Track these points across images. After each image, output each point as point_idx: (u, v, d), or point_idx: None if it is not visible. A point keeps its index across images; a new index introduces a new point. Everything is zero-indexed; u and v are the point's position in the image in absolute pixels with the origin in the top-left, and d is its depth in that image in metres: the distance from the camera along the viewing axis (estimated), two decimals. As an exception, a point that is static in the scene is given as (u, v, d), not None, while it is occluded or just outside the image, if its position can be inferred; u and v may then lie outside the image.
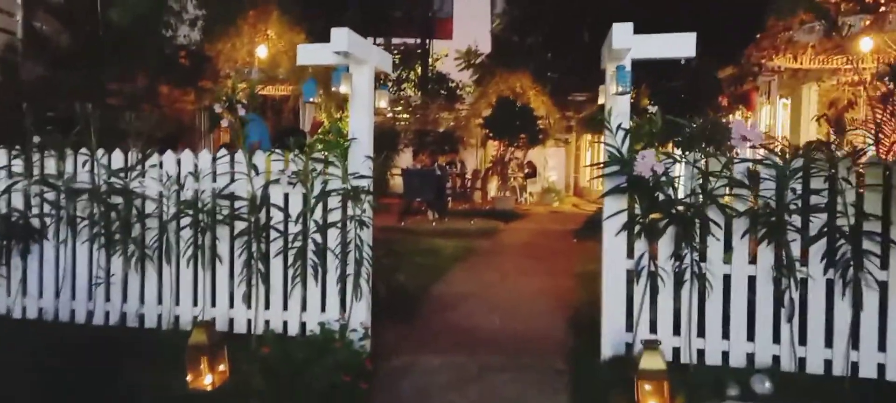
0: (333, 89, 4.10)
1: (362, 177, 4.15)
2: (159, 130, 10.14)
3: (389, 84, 25.67)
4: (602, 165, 3.90)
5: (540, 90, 18.00)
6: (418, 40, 26.04)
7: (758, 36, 7.57)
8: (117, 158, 4.51)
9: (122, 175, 4.45)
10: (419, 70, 24.90)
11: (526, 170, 18.90)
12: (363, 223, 4.14)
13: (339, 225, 4.19)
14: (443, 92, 21.73)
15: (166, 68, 10.80)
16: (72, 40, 9.26)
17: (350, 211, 4.15)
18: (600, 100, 4.23)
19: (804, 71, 8.11)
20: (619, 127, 3.79)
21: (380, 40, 27.07)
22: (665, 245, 3.81)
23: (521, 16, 23.39)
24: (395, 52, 27.18)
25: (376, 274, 4.44)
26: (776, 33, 7.06)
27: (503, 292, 5.98)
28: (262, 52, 12.18)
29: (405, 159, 17.63)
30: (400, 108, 23.00)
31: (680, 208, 3.68)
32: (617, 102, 3.82)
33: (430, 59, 26.01)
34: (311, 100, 4.30)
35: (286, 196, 4.30)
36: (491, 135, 15.28)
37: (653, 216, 3.76)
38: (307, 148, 4.17)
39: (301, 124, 12.74)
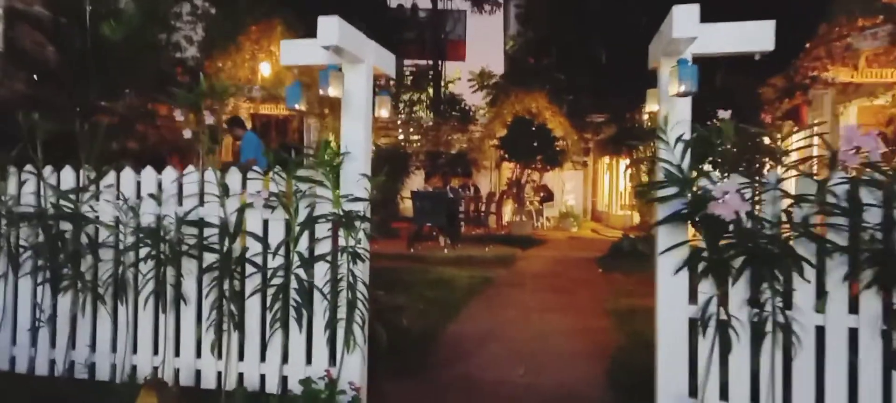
0: (322, 93, 3.35)
1: (357, 199, 3.39)
2: (154, 151, 9.52)
3: (403, 102, 25.21)
4: (654, 187, 3.11)
5: (556, 111, 17.30)
6: (430, 62, 25.51)
7: (807, 45, 6.80)
8: (68, 177, 3.79)
9: (72, 197, 3.72)
10: (431, 91, 24.30)
11: (542, 194, 18.13)
12: (357, 256, 3.37)
13: (329, 258, 3.42)
14: (455, 112, 21.07)
15: (162, 86, 10.20)
16: (58, 55, 8.66)
17: (342, 242, 3.39)
18: (650, 107, 3.46)
19: (855, 85, 7.30)
20: (679, 139, 3.00)
21: (392, 61, 26.69)
22: (738, 288, 3.00)
23: (535, 37, 22.82)
24: (408, 74, 26.71)
25: (375, 317, 3.65)
26: (831, 40, 6.28)
27: (527, 334, 5.15)
28: (265, 69, 11.58)
29: (416, 182, 16.90)
30: (412, 130, 22.37)
31: (761, 241, 2.86)
32: (675, 106, 3.04)
33: (442, 81, 25.44)
34: (295, 106, 3.57)
35: (266, 223, 3.54)
36: (506, 155, 14.52)
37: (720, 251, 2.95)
38: (292, 164, 3.41)
39: (304, 142, 12.07)
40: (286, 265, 3.43)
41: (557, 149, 14.32)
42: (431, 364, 4.32)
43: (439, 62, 25.48)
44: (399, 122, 21.73)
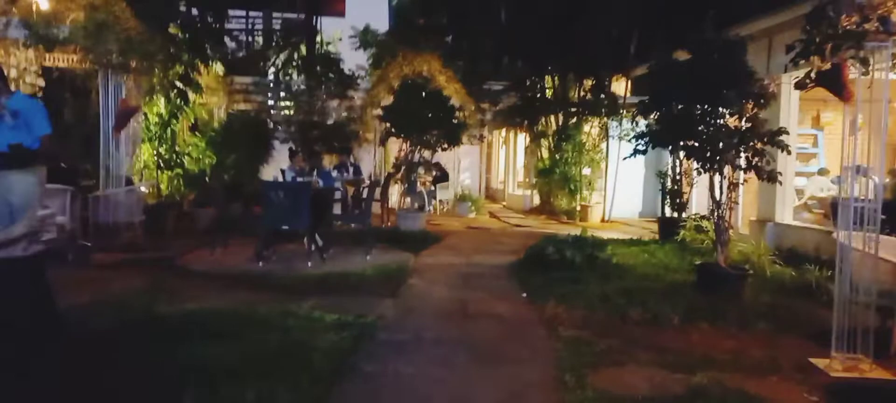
0: None
1: None
2: None
3: (269, 61, 21.40)
4: None
5: (452, 75, 14.61)
6: (302, 16, 21.81)
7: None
8: None
9: None
10: (304, 49, 20.67)
11: (435, 173, 15.50)
12: None
13: None
14: (331, 75, 17.75)
15: None
16: None
17: None
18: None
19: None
20: None
21: (257, 14, 22.63)
22: None
23: (426, -8, 19.96)
24: (277, 29, 22.82)
25: None
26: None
27: None
28: (41, -2, 7.83)
29: (281, 160, 13.56)
30: (283, 96, 18.85)
31: None
32: None
33: (317, 39, 21.87)
34: None
35: None
36: (393, 129, 11.66)
37: None
38: None
39: (102, 108, 8.44)
40: None
41: (456, 122, 11.66)
42: None
43: (314, 16, 21.88)
44: (268, 85, 18.10)
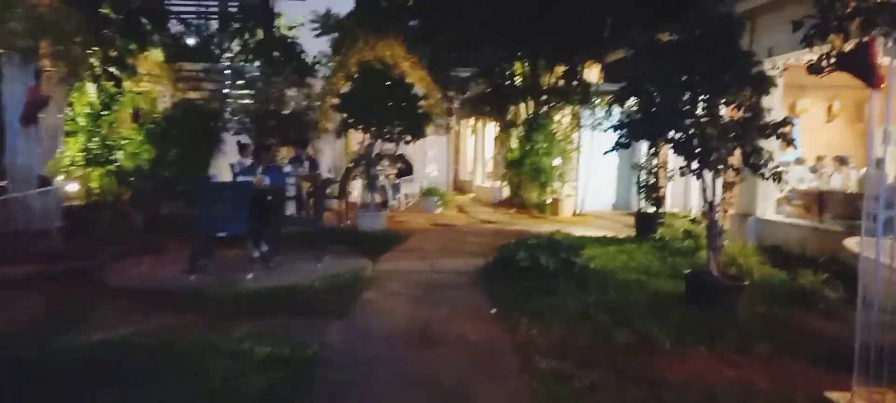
0: None
1: None
2: None
3: (225, 48, 20.10)
4: None
5: (416, 62, 13.74)
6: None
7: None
8: None
9: None
10: (261, 34, 19.44)
11: (400, 166, 14.65)
12: None
13: None
14: (291, 62, 16.67)
15: None
16: None
17: None
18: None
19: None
20: None
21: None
22: None
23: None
24: (233, 11, 21.49)
25: None
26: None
27: None
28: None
29: (233, 154, 12.50)
30: (239, 84, 17.71)
31: None
32: None
33: (276, 22, 20.66)
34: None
35: None
36: (350, 120, 10.74)
37: None
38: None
39: (6, 98, 7.34)
40: None
41: (421, 112, 10.79)
42: None
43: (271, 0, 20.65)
44: (220, 72, 16.90)
